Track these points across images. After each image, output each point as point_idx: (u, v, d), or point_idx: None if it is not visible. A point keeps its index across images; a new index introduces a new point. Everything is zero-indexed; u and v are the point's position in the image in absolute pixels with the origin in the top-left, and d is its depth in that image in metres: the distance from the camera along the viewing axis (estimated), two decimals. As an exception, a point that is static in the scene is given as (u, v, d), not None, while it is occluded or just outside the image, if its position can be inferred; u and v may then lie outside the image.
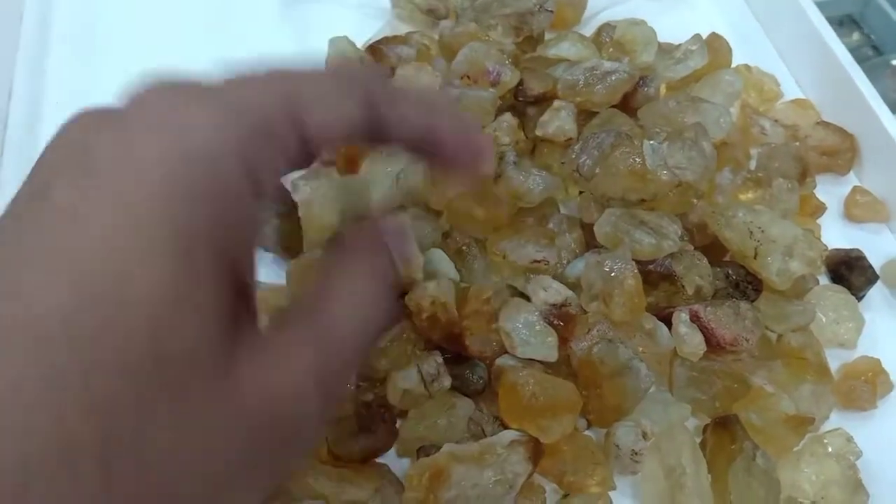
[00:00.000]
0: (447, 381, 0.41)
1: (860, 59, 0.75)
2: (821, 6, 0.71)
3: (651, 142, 0.46)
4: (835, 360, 0.47)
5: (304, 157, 0.26)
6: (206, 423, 0.20)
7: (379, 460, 0.40)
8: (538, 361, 0.42)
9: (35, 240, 0.21)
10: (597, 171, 0.47)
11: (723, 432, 0.41)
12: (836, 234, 0.53)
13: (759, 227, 0.45)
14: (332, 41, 0.54)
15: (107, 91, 0.57)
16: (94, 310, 0.19)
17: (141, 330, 0.20)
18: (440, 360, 0.41)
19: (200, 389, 0.21)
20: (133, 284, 0.20)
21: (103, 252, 0.20)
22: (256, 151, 0.23)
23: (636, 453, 0.41)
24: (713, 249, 0.48)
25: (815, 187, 0.53)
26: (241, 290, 0.23)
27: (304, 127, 0.25)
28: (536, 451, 0.33)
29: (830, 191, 0.55)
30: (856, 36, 0.80)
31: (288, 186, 0.46)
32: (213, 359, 0.21)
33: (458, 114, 0.32)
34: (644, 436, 0.41)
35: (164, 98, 0.24)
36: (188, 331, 0.20)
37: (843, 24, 0.80)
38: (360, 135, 0.27)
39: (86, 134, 0.24)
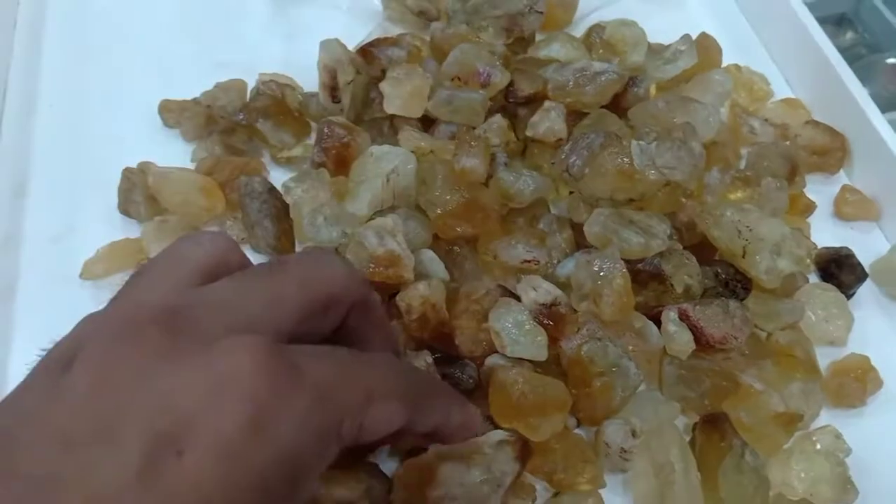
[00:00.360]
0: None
1: (854, 58, 0.75)
2: (815, 5, 0.71)
3: (640, 142, 0.46)
4: (825, 357, 0.47)
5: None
6: None
7: (368, 459, 0.41)
8: (528, 361, 0.42)
9: None
10: (586, 171, 0.47)
11: (712, 430, 0.42)
12: (826, 233, 0.53)
13: (748, 226, 0.45)
14: (324, 44, 0.54)
15: (99, 92, 0.58)
16: None
17: None
18: (430, 359, 0.41)
19: None
20: None
21: None
22: (330, 453, 0.25)
23: (626, 451, 0.41)
24: (703, 249, 0.48)
25: (804, 186, 0.54)
26: None
27: (362, 427, 0.26)
28: (524, 451, 0.34)
29: (820, 190, 0.55)
30: (850, 35, 0.81)
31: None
32: None
33: (463, 402, 0.33)
34: (634, 434, 0.41)
35: (263, 370, 0.23)
36: None
37: (837, 23, 0.80)
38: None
39: (159, 378, 0.22)
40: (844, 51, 0.77)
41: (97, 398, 0.21)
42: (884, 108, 0.62)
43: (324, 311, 0.28)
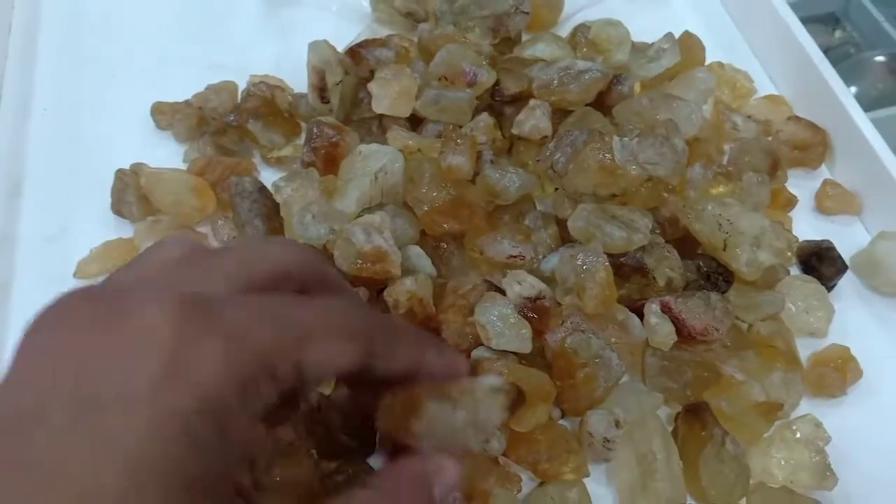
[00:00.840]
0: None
1: (843, 56, 0.77)
2: (802, 4, 0.72)
3: (623, 138, 0.47)
4: (806, 348, 0.48)
5: (292, 393, 0.27)
6: None
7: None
8: (513, 353, 0.43)
9: (26, 477, 0.21)
10: (570, 167, 0.48)
11: (693, 420, 0.42)
12: (807, 227, 0.54)
13: (728, 220, 0.46)
14: (313, 45, 0.55)
15: (93, 95, 0.59)
16: None
17: None
18: None
19: None
20: None
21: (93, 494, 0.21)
22: (258, 394, 0.24)
23: (609, 441, 0.42)
24: (685, 243, 0.49)
25: (786, 181, 0.54)
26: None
27: (301, 367, 0.26)
28: (517, 401, 0.33)
29: (802, 184, 0.56)
30: (838, 33, 0.82)
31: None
32: None
33: (441, 347, 0.34)
34: (617, 424, 0.42)
35: (171, 319, 0.23)
36: None
37: (825, 21, 0.81)
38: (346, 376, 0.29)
39: (78, 349, 0.23)
40: (833, 49, 0.78)
41: (24, 378, 0.23)
42: (873, 105, 0.63)
43: (272, 286, 0.28)
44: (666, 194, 0.48)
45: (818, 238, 0.52)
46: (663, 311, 0.44)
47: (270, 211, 0.50)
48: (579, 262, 0.44)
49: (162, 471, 0.21)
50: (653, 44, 0.58)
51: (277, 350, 0.25)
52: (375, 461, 0.42)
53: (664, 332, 0.43)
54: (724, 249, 0.46)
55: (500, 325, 0.43)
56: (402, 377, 0.31)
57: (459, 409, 0.31)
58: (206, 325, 0.23)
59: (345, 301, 0.33)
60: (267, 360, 0.24)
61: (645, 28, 0.60)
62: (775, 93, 0.62)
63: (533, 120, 0.52)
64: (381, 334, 0.29)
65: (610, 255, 0.45)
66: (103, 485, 0.21)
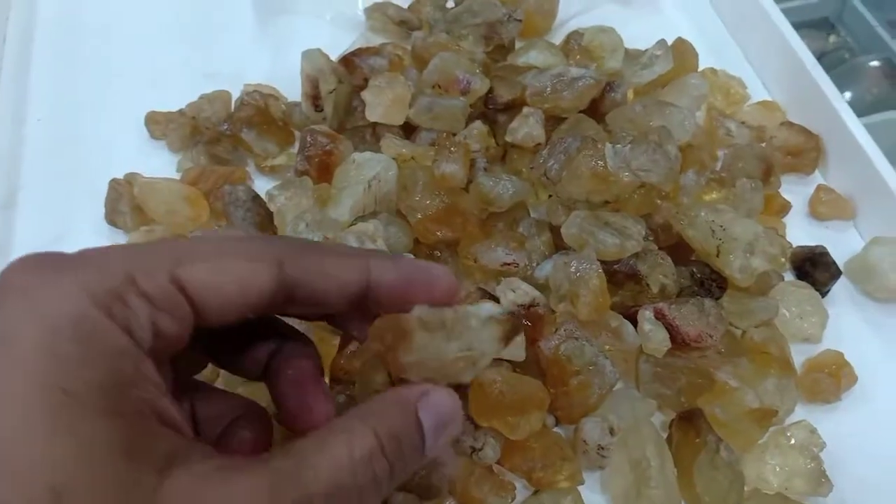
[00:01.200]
0: (416, 382, 0.42)
1: (837, 62, 0.77)
2: (796, 9, 0.72)
3: (616, 145, 0.48)
4: (800, 354, 0.48)
5: (223, 319, 0.27)
6: None
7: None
8: (507, 361, 0.43)
9: None
10: (563, 174, 0.48)
11: (687, 427, 0.42)
12: (801, 232, 0.54)
13: (721, 226, 0.46)
14: (306, 54, 0.55)
15: (87, 105, 0.59)
16: None
17: None
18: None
19: None
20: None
21: None
22: (126, 309, 0.24)
23: (603, 448, 0.42)
24: (679, 249, 0.49)
25: (780, 186, 0.55)
26: (153, 423, 0.24)
27: (183, 285, 0.25)
28: (512, 332, 0.30)
29: (796, 190, 0.56)
30: (832, 38, 0.82)
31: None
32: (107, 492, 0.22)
33: (396, 255, 0.32)
34: (611, 431, 0.42)
35: (28, 268, 0.25)
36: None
37: (819, 27, 0.81)
38: (278, 302, 0.27)
39: None
40: (827, 54, 0.78)
41: None
42: (868, 110, 0.63)
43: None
44: (659, 201, 0.49)
45: (812, 244, 0.52)
46: (657, 318, 0.44)
47: (264, 220, 0.50)
48: (573, 269, 0.44)
49: (39, 384, 0.22)
50: (646, 50, 0.58)
51: (142, 265, 0.25)
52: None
53: (658, 339, 0.43)
54: (718, 256, 0.46)
55: (494, 332, 0.43)
56: (356, 297, 0.29)
57: (453, 341, 0.29)
58: (54, 264, 0.25)
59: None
60: (129, 275, 0.24)
61: (638, 35, 0.60)
62: (769, 99, 0.62)
63: (526, 127, 0.52)
64: (298, 253, 0.28)
65: (603, 262, 0.45)
66: None
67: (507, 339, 0.30)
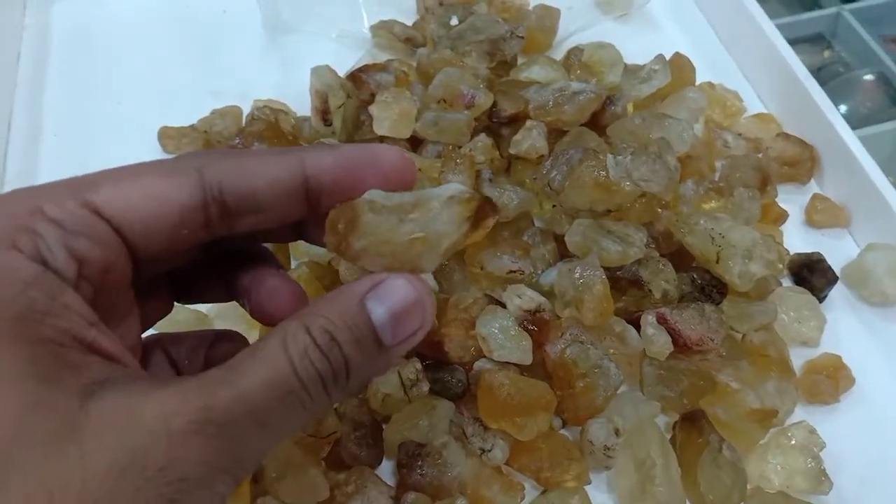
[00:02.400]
0: (425, 387, 0.43)
1: (832, 75, 0.78)
2: (791, 25, 0.74)
3: (618, 156, 0.49)
4: (799, 357, 0.49)
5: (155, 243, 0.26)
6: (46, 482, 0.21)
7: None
8: (514, 364, 0.44)
9: None
10: (566, 184, 0.49)
11: (690, 427, 0.44)
12: (798, 240, 0.55)
13: (720, 233, 0.48)
14: (315, 70, 0.57)
15: (101, 121, 0.60)
16: None
17: None
18: (419, 366, 0.43)
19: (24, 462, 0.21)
20: None
21: None
22: (34, 236, 0.23)
23: (609, 449, 0.43)
24: (679, 256, 0.51)
25: (776, 196, 0.56)
26: (74, 351, 0.23)
27: (97, 207, 0.24)
28: (481, 213, 0.27)
29: (792, 199, 0.57)
30: (827, 53, 0.84)
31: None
32: (24, 425, 0.21)
33: (335, 145, 0.30)
34: (616, 432, 0.43)
35: None
36: None
37: (814, 41, 0.83)
38: (208, 218, 0.26)
39: None
40: (822, 68, 0.80)
41: None
42: (862, 122, 0.65)
43: None
44: (660, 209, 0.50)
45: (809, 251, 0.54)
46: (659, 323, 0.45)
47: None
48: (577, 276, 0.46)
49: None
50: (644, 65, 0.60)
51: (49, 196, 0.24)
52: (384, 471, 0.43)
53: (660, 343, 0.45)
54: (717, 262, 0.48)
55: (502, 337, 0.44)
56: (297, 196, 0.27)
57: (406, 223, 0.26)
58: None
59: None
60: (35, 207, 0.24)
61: (636, 51, 0.62)
62: (764, 111, 0.63)
63: (530, 140, 0.53)
64: (218, 158, 0.27)
65: (606, 269, 0.47)
66: None
67: (474, 221, 0.27)
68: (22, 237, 0.23)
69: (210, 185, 0.26)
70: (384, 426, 0.44)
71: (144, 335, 0.31)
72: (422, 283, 0.27)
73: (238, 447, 0.23)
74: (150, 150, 0.59)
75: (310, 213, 0.28)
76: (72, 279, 0.24)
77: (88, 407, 0.22)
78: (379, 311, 0.25)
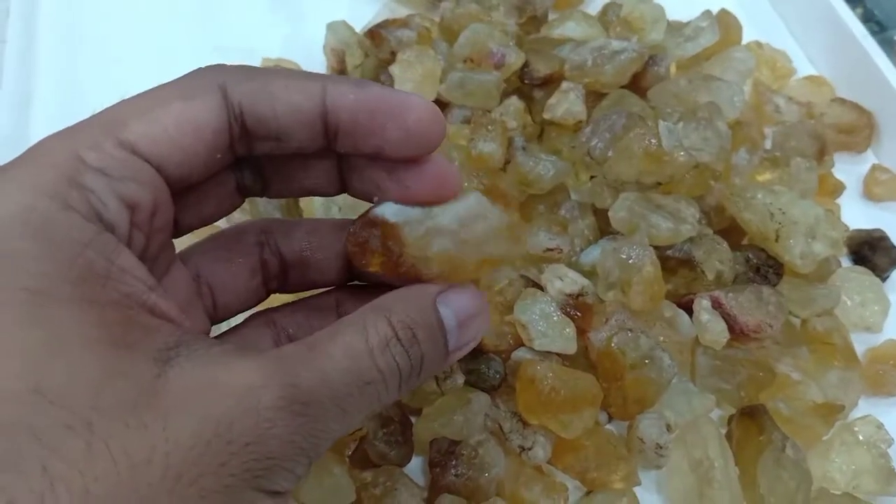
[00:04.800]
0: (460, 379, 0.39)
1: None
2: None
3: (667, 122, 0.45)
4: (860, 344, 0.45)
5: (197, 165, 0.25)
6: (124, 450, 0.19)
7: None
8: (556, 354, 0.40)
9: None
10: (609, 154, 0.45)
11: (750, 423, 0.40)
12: (856, 214, 0.51)
13: (780, 209, 0.43)
14: (331, 26, 0.52)
15: (96, 81, 0.56)
16: None
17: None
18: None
19: (105, 436, 0.19)
20: None
21: None
22: (83, 189, 0.22)
23: (661, 447, 0.39)
24: (731, 232, 0.46)
25: (832, 166, 0.52)
26: (142, 314, 0.22)
27: (133, 145, 0.23)
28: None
29: (848, 169, 0.53)
30: (859, 11, 0.79)
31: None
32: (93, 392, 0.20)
33: (361, 80, 0.28)
34: (668, 428, 0.40)
35: None
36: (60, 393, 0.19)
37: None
38: (231, 138, 0.25)
39: None
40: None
41: None
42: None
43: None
44: (712, 182, 0.46)
45: (867, 226, 0.50)
46: (714, 308, 0.41)
47: (291, 202, 0.47)
48: (624, 256, 0.42)
49: None
50: (689, 22, 0.55)
51: (84, 141, 0.23)
52: (413, 468, 0.39)
53: (717, 331, 0.41)
54: (777, 241, 0.43)
55: (543, 324, 0.40)
56: (316, 126, 0.26)
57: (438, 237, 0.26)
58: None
59: None
60: (75, 156, 0.22)
61: (676, 5, 0.57)
62: (815, 73, 0.59)
63: (566, 104, 0.49)
64: (241, 76, 0.25)
65: (654, 248, 0.42)
66: None
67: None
68: (72, 193, 0.22)
69: (232, 105, 0.25)
70: (413, 419, 0.40)
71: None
72: (483, 295, 0.27)
73: (318, 430, 0.23)
74: (150, 113, 0.54)
75: (328, 146, 0.27)
76: (125, 232, 0.23)
77: (168, 374, 0.21)
78: (448, 314, 0.26)
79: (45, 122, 0.54)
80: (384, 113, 0.26)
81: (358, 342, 0.23)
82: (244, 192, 0.29)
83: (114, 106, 0.24)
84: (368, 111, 0.26)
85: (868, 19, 0.77)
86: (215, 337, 0.29)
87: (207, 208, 0.28)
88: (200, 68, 0.27)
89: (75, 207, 0.22)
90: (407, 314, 0.25)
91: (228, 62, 0.54)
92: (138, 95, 0.25)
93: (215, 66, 0.27)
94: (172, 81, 0.25)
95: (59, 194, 0.21)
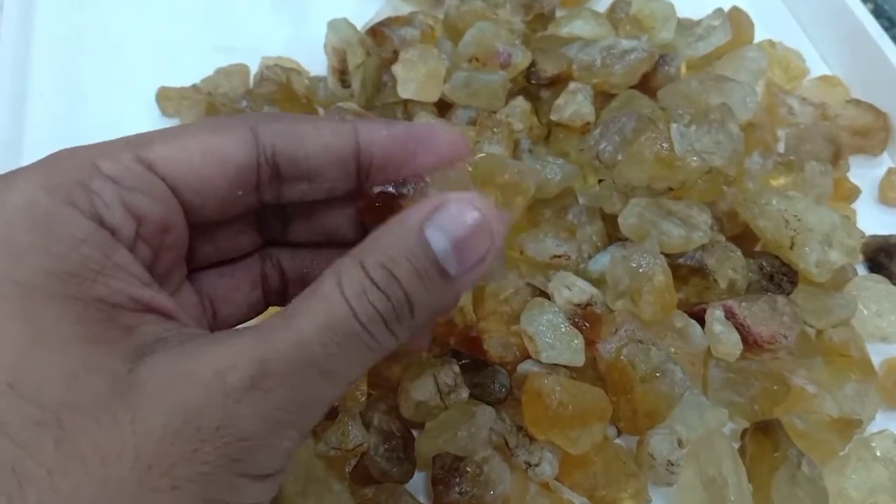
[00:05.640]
0: (465, 393, 0.38)
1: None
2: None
3: (679, 125, 0.43)
4: (875, 355, 0.43)
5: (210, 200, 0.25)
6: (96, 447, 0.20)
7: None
8: (564, 366, 0.39)
9: None
10: (619, 157, 0.43)
11: (764, 438, 0.38)
12: (871, 220, 0.49)
13: (795, 215, 0.42)
14: (332, 24, 0.50)
15: (93, 80, 0.54)
16: None
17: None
18: (457, 369, 0.38)
19: (84, 429, 0.20)
20: None
21: None
22: (90, 192, 0.23)
23: (672, 464, 0.38)
24: (743, 238, 0.45)
25: (848, 170, 0.50)
26: (126, 311, 0.22)
27: (150, 164, 0.24)
28: None
29: (863, 173, 0.51)
30: (869, 6, 0.77)
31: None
32: (87, 392, 0.20)
33: (389, 121, 0.30)
34: (679, 443, 0.38)
35: None
36: (47, 383, 0.20)
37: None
38: (259, 178, 0.25)
39: None
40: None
41: None
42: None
43: None
44: (725, 187, 0.44)
45: (883, 232, 0.48)
46: (727, 318, 0.40)
47: (290, 207, 0.45)
48: (634, 264, 0.40)
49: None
50: (700, 21, 0.53)
51: (104, 151, 0.24)
52: (415, 483, 0.38)
53: (730, 342, 0.39)
54: (792, 248, 0.42)
55: (551, 336, 0.39)
56: (350, 167, 0.26)
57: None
58: (20, 169, 0.23)
59: None
60: (90, 163, 0.23)
61: (685, 3, 0.55)
62: (828, 73, 0.57)
63: (574, 105, 0.47)
64: (272, 120, 0.26)
65: (665, 255, 0.41)
66: None
67: None
68: (77, 193, 0.22)
69: (263, 145, 0.25)
70: (415, 434, 0.39)
71: None
72: (485, 201, 0.25)
73: (300, 398, 0.22)
74: (147, 113, 0.53)
75: (358, 186, 0.28)
76: (129, 238, 0.23)
77: (139, 369, 0.21)
78: (439, 238, 0.24)
79: (40, 123, 0.53)
80: (415, 142, 0.27)
81: (333, 295, 0.23)
82: (265, 233, 0.30)
83: (142, 133, 0.25)
84: (401, 144, 0.27)
85: (879, 15, 0.76)
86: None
87: (224, 242, 0.29)
88: (232, 115, 0.28)
89: (78, 206, 0.22)
90: (384, 252, 0.23)
91: (229, 62, 0.54)
92: (167, 128, 0.26)
93: (247, 113, 0.28)
94: (206, 120, 0.27)
95: (65, 193, 0.22)
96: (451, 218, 0.24)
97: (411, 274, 0.23)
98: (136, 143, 0.24)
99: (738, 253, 0.42)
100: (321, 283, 0.23)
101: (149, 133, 0.25)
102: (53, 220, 0.22)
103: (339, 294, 0.23)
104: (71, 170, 0.23)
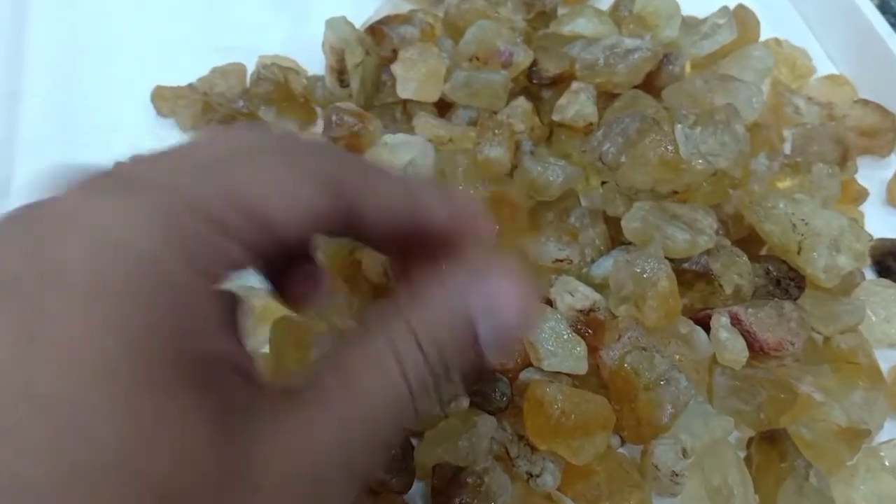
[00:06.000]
0: (465, 402, 0.37)
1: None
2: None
3: (684, 127, 0.42)
4: (884, 362, 0.43)
5: (274, 247, 0.23)
6: None
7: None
8: (566, 374, 0.38)
9: None
10: (622, 159, 0.43)
11: (770, 448, 0.38)
12: (879, 222, 0.49)
13: (803, 219, 0.41)
14: (330, 22, 0.49)
15: (88, 79, 0.53)
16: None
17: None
18: (458, 377, 0.37)
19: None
20: (97, 447, 0.17)
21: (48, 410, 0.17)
22: (194, 242, 0.20)
23: (677, 474, 0.37)
24: (749, 242, 0.44)
25: (855, 171, 0.49)
26: (224, 376, 0.21)
27: (256, 217, 0.22)
28: None
29: (871, 175, 0.50)
30: (875, 1, 0.76)
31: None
32: (209, 472, 0.19)
33: (444, 188, 0.28)
34: (684, 453, 0.37)
35: (80, 194, 0.20)
36: (172, 464, 0.18)
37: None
38: (328, 227, 0.24)
39: None
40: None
41: None
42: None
43: None
44: (731, 190, 0.43)
45: (892, 235, 0.47)
46: (733, 324, 0.39)
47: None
48: (638, 269, 0.39)
49: (81, 346, 0.18)
50: (705, 19, 0.52)
51: (212, 197, 0.21)
52: (414, 494, 0.37)
53: (736, 349, 0.38)
54: (799, 253, 0.41)
55: (553, 343, 0.38)
56: (402, 231, 0.25)
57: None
58: (126, 186, 0.21)
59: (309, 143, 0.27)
60: (190, 206, 0.20)
61: (689, 1, 0.54)
62: (835, 72, 0.56)
63: (577, 105, 0.46)
64: (352, 169, 0.24)
65: (670, 260, 0.40)
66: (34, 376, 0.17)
67: None
68: (193, 243, 0.20)
69: (342, 202, 0.23)
70: (414, 443, 0.38)
71: None
72: (531, 287, 0.24)
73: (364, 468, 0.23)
74: (142, 113, 0.52)
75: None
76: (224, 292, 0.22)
77: (253, 460, 0.20)
78: (487, 328, 0.23)
79: (33, 124, 0.52)
80: (462, 228, 0.26)
81: (391, 366, 0.22)
82: None
83: (233, 160, 0.23)
84: (451, 228, 0.26)
85: (885, 11, 0.75)
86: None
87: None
88: (317, 147, 0.26)
89: (192, 261, 0.20)
90: (439, 331, 0.23)
91: (226, 61, 0.53)
92: (255, 148, 0.24)
93: (320, 148, 0.26)
94: (291, 148, 0.24)
95: (184, 243, 0.20)
96: (501, 307, 0.23)
97: (458, 358, 0.23)
98: (228, 185, 0.22)
99: (744, 258, 0.41)
100: (372, 345, 0.23)
101: (247, 170, 0.23)
102: (171, 277, 0.20)
103: (395, 365, 0.22)
104: (175, 214, 0.20)
